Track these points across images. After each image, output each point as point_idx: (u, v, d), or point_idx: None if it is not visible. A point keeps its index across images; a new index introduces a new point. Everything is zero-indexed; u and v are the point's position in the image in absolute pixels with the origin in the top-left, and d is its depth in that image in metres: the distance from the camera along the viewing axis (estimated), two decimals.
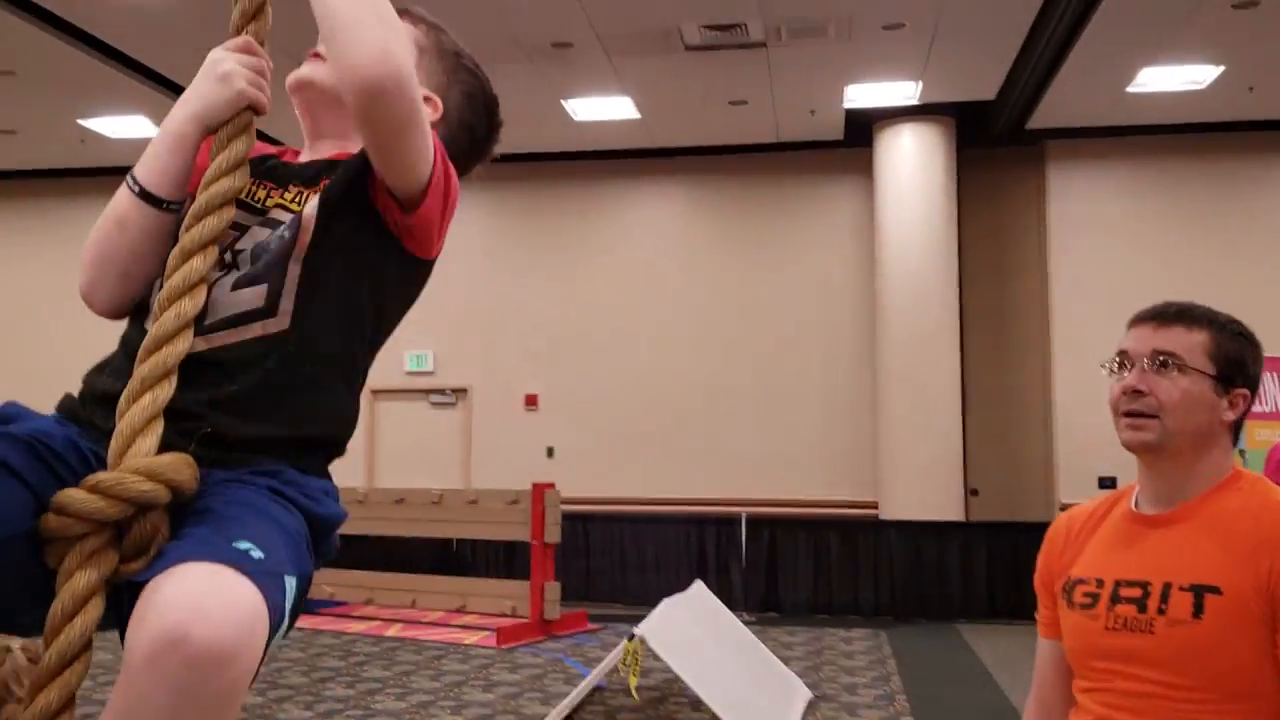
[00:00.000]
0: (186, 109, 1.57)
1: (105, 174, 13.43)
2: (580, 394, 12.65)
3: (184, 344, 1.42)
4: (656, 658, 5.57)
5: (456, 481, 12.40)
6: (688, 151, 12.71)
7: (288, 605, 1.26)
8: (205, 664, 1.09)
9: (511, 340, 12.90)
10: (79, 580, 1.26)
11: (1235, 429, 1.81)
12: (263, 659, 1.20)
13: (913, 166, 11.64)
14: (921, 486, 11.17)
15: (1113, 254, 11.74)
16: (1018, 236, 12.38)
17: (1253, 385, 1.79)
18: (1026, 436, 12.17)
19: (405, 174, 1.52)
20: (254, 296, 1.50)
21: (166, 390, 1.38)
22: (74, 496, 1.27)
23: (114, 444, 1.33)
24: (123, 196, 1.57)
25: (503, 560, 11.21)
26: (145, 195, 1.55)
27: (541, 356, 12.80)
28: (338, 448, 1.59)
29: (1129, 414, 1.78)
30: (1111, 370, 1.82)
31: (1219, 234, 11.69)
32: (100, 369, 1.58)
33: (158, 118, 11.34)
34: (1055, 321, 11.90)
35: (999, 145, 12.09)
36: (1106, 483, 9.58)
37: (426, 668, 7.91)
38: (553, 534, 9.58)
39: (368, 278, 1.57)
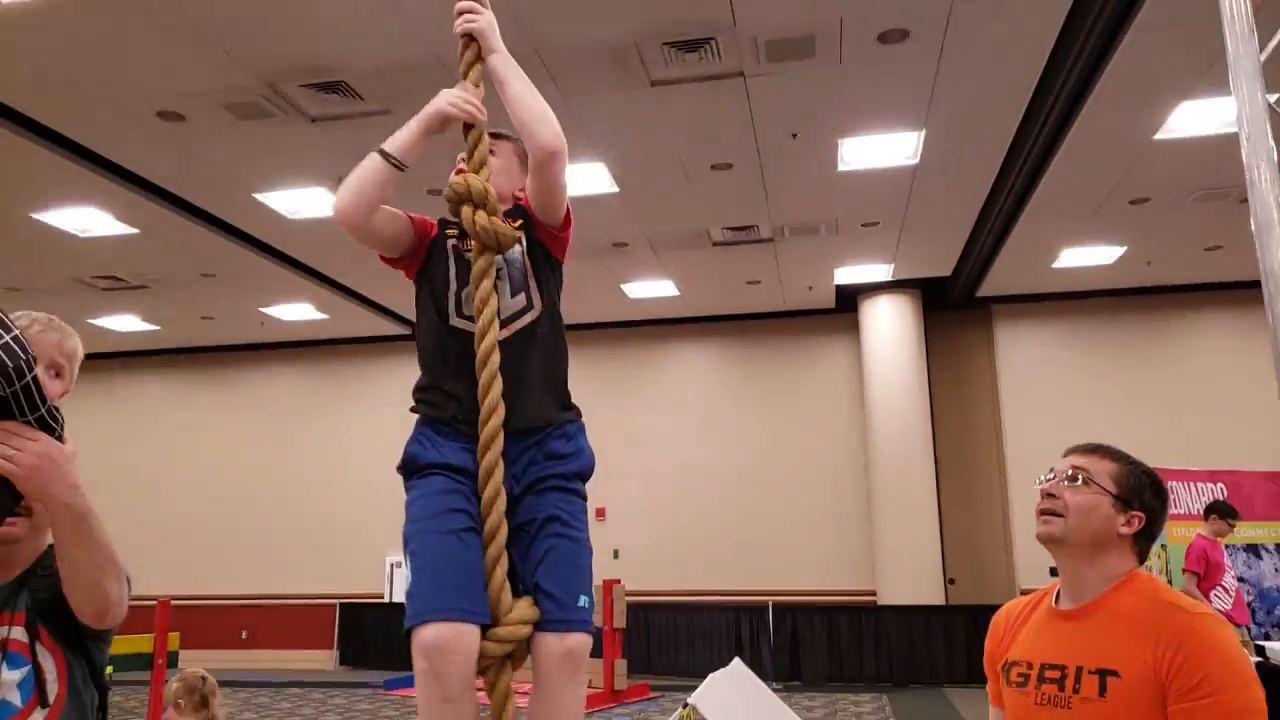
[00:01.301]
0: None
1: (280, 347, 13.88)
2: (638, 508, 12.61)
3: (501, 562, 1.81)
4: None
5: None
6: (717, 319, 12.92)
7: (595, 597, 1.91)
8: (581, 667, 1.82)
9: None
10: (500, 686, 1.81)
11: (1139, 542, 1.79)
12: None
13: (891, 327, 11.76)
14: (910, 578, 11.01)
15: (1050, 391, 11.74)
16: (975, 380, 12.39)
17: (1150, 513, 1.79)
18: (991, 537, 11.97)
19: (558, 210, 1.99)
20: (521, 300, 1.95)
21: (504, 563, 1.80)
22: (487, 647, 1.74)
23: (491, 608, 1.76)
24: (377, 163, 1.93)
25: None
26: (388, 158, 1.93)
27: (608, 479, 12.76)
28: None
29: (1042, 511, 1.81)
30: (1040, 481, 1.87)
31: (1130, 373, 11.69)
32: (435, 381, 1.95)
33: (320, 304, 11.79)
34: (1008, 445, 11.83)
35: (957, 309, 12.20)
36: (1055, 572, 9.40)
37: None
38: (620, 620, 9.51)
39: (556, 276, 2.04)
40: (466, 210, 1.89)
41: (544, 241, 2.02)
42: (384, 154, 1.91)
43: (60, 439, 1.35)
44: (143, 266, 10.18)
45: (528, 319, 1.94)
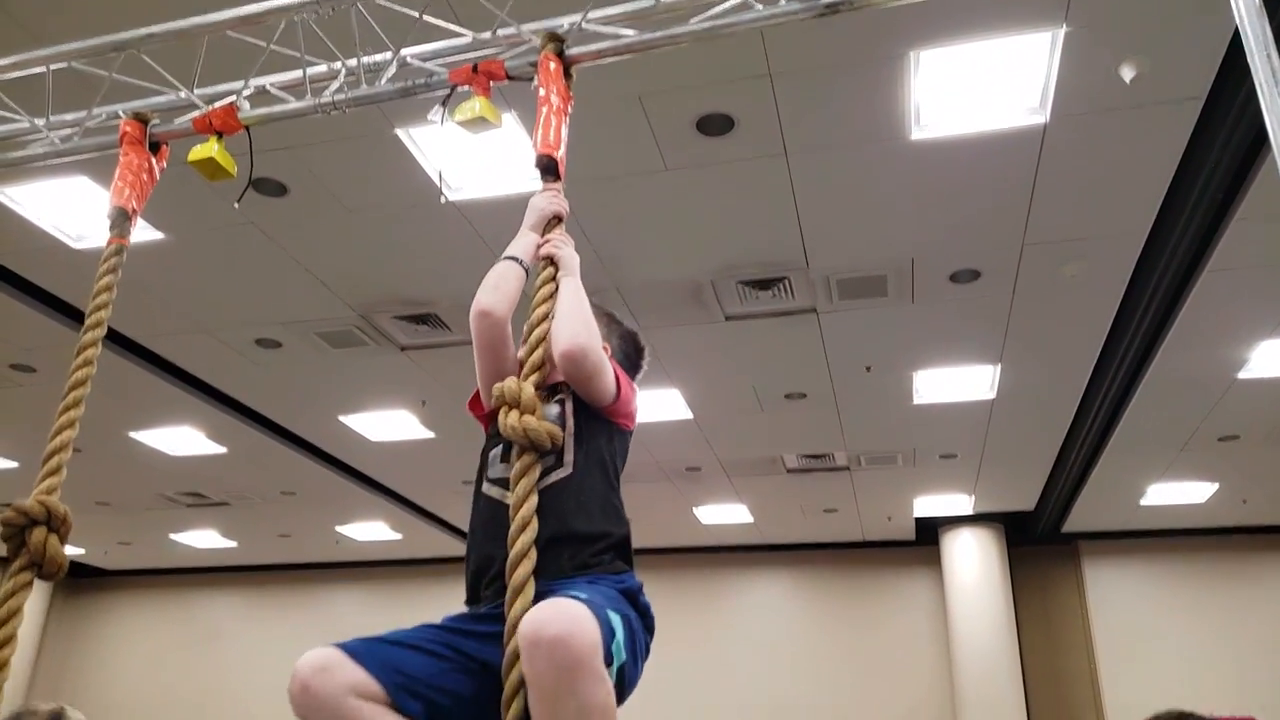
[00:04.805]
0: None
1: (353, 566, 13.87)
2: None
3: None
4: None
5: None
6: (792, 548, 12.60)
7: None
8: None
9: (653, 697, 12.34)
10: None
11: None
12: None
13: (973, 561, 11.30)
14: None
15: (1146, 635, 11.04)
16: (1065, 620, 11.69)
17: None
18: None
19: (597, 397, 1.98)
20: (550, 459, 1.90)
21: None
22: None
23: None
24: (511, 266, 2.11)
25: None
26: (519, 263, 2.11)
27: (676, 708, 12.15)
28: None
29: None
30: None
31: (1231, 619, 10.95)
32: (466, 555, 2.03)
33: (394, 523, 11.84)
34: (1104, 686, 10.99)
35: (1041, 544, 11.71)
36: None
37: None
38: None
39: (613, 438, 2.04)
40: (503, 413, 1.86)
41: (592, 408, 2.01)
42: (515, 259, 2.11)
43: None
44: (227, 484, 10.42)
45: (555, 477, 1.90)
